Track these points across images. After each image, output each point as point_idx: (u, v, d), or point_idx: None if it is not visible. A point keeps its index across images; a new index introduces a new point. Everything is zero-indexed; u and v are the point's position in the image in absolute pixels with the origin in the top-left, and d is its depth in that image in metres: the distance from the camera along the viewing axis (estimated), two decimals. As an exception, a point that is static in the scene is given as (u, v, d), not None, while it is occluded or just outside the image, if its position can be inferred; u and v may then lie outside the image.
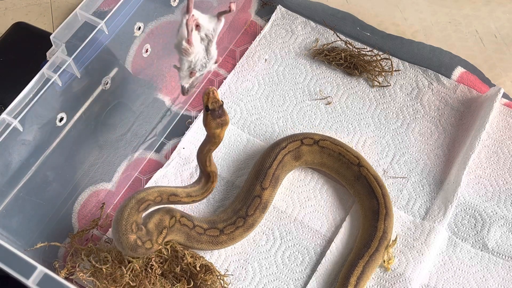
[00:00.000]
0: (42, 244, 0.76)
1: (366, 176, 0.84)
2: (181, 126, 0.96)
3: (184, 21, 0.71)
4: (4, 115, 0.65)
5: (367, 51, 0.98)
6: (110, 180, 0.87)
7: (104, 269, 0.75)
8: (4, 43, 1.00)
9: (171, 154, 0.92)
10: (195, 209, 0.87)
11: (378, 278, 0.81)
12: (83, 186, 0.83)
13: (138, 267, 0.75)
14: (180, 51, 0.72)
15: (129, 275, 0.74)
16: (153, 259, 0.76)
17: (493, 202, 0.86)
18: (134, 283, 0.74)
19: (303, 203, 0.87)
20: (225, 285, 0.78)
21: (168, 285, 0.75)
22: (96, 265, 0.75)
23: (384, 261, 0.80)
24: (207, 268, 0.77)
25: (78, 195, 0.83)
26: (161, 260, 0.77)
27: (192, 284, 0.76)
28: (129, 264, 0.75)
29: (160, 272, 0.76)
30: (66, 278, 0.79)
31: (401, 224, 0.84)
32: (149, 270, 0.75)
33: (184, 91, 0.77)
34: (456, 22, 1.04)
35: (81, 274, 0.75)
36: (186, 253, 0.77)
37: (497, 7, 1.05)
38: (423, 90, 0.96)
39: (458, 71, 0.97)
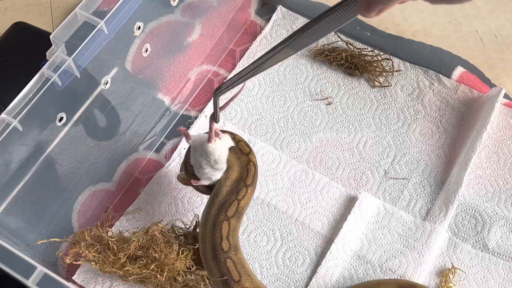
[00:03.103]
0: (42, 241, 0.76)
1: None
2: (181, 126, 0.95)
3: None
4: (4, 115, 0.65)
5: (368, 52, 0.98)
6: (110, 180, 0.87)
7: (110, 242, 0.75)
8: (4, 43, 1.00)
9: (171, 154, 0.92)
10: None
11: (378, 278, 0.80)
12: (83, 186, 0.83)
13: (144, 239, 0.75)
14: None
15: (135, 246, 0.74)
16: (156, 232, 0.76)
17: (493, 203, 0.86)
18: (141, 251, 0.74)
19: (303, 204, 0.87)
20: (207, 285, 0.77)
21: (174, 252, 0.75)
22: (103, 235, 0.75)
23: None
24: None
25: (78, 195, 0.82)
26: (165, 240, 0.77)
27: (197, 246, 0.75)
28: (135, 236, 0.75)
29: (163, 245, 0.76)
30: (66, 278, 0.79)
31: (402, 225, 0.84)
32: (155, 239, 0.75)
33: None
34: (456, 22, 1.04)
35: (87, 252, 0.75)
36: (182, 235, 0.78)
37: (497, 7, 1.05)
38: (424, 90, 0.96)
39: (458, 71, 0.96)
